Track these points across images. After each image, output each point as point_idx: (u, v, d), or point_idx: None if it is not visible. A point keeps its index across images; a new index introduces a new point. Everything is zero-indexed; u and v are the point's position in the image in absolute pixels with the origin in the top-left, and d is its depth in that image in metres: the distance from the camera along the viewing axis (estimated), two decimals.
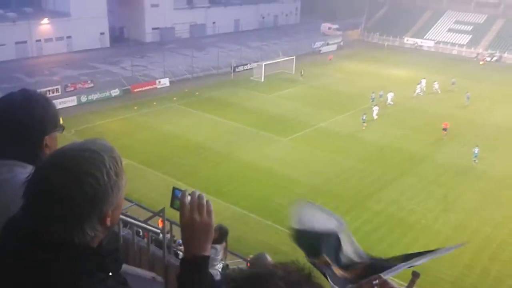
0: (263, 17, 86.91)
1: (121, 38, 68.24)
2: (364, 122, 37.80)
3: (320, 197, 26.72)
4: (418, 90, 46.46)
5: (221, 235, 8.14)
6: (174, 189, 2.03)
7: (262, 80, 50.45)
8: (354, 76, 50.40)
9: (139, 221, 7.97)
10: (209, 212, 1.85)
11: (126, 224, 7.88)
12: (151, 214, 8.28)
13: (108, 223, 1.66)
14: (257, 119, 39.07)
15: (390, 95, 43.66)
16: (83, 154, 1.62)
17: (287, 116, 40.22)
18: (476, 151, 32.09)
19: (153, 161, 30.27)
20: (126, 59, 54.70)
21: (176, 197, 1.98)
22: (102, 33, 64.12)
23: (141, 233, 9.30)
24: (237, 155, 32.00)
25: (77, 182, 1.56)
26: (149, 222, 7.92)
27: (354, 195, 27.10)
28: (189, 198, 1.87)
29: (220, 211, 24.67)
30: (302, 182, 28.41)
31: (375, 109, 40.11)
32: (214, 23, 77.99)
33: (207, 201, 1.87)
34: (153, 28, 69.46)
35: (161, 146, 33.05)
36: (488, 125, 39.50)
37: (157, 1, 69.16)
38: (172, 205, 2.01)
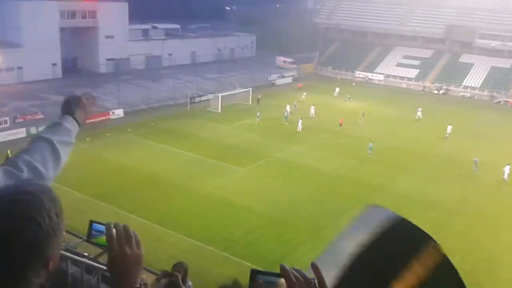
0: (220, 50, 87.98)
1: (74, 69, 67.11)
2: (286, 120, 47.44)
3: (276, 227, 26.71)
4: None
5: (185, 273, 7.85)
6: (91, 222, 1.94)
7: (219, 111, 50.64)
8: (309, 108, 51.46)
9: (89, 258, 7.62)
10: (138, 243, 1.79)
11: (75, 261, 7.51)
12: (101, 250, 7.96)
13: (51, 267, 1.58)
14: (214, 149, 38.96)
15: (312, 108, 50.26)
16: (21, 197, 1.53)
17: (244, 146, 40.35)
18: (370, 145, 39.61)
19: (106, 195, 29.39)
20: (78, 90, 53.47)
21: (97, 231, 1.90)
22: (54, 64, 62.87)
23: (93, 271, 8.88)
24: (194, 187, 31.63)
25: (18, 228, 1.47)
26: (99, 259, 7.60)
27: (310, 225, 27.22)
28: (114, 230, 1.79)
29: (177, 244, 24.16)
30: (259, 212, 28.33)
31: (300, 121, 45.68)
32: (170, 54, 78.16)
33: (133, 232, 1.80)
34: (107, 59, 68.76)
35: (115, 178, 32.22)
36: (438, 156, 41.04)
37: (112, 32, 68.78)
38: (89, 240, 1.92)
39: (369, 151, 39.83)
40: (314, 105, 51.00)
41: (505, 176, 36.05)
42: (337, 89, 63.25)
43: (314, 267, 1.58)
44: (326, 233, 26.50)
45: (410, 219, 1.90)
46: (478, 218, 29.87)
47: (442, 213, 30.04)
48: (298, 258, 23.68)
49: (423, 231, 1.89)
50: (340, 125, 46.58)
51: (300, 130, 45.16)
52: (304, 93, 59.54)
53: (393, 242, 1.90)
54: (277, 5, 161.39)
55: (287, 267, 1.59)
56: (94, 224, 1.93)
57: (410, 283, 1.72)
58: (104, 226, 1.86)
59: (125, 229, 1.78)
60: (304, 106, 52.77)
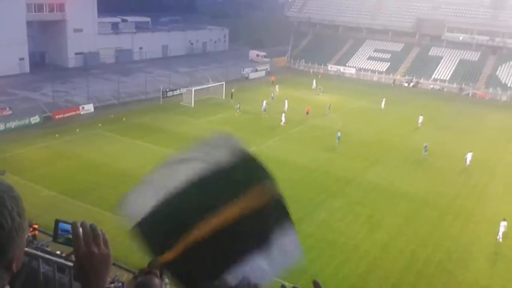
0: (192, 43, 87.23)
1: (42, 63, 65.56)
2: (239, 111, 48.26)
3: None
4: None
5: (162, 270, 7.68)
6: (57, 221, 1.85)
7: (192, 105, 50.20)
8: (282, 101, 51.55)
9: (61, 256, 7.39)
10: (105, 242, 1.74)
11: (46, 260, 7.27)
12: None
13: (14, 268, 1.51)
14: (188, 144, 38.45)
15: (286, 102, 49.88)
16: None
17: None
18: (338, 135, 40.76)
19: (76, 191, 28.76)
20: (47, 84, 52.30)
21: (64, 231, 1.81)
22: (21, 59, 61.19)
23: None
24: None
25: None
26: (72, 257, 7.37)
27: None
28: (81, 229, 1.73)
29: None
30: None
31: (283, 115, 45.90)
32: (141, 48, 77.07)
33: (101, 230, 1.75)
34: (76, 53, 67.37)
35: (85, 175, 31.55)
36: (409, 148, 41.68)
37: (81, 25, 67.32)
38: (55, 240, 1.84)
39: (337, 141, 40.93)
40: (287, 99, 51.07)
41: (467, 162, 37.34)
42: (314, 81, 63.65)
43: (316, 285, 1.61)
44: (303, 226, 26.61)
45: (257, 157, 2.06)
46: (448, 208, 30.52)
47: (414, 203, 30.60)
48: None
49: (263, 169, 2.03)
50: (307, 113, 47.91)
51: (283, 124, 45.39)
52: (277, 86, 59.52)
53: (227, 176, 1.96)
54: None
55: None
56: (61, 224, 1.84)
57: (230, 216, 1.84)
58: (70, 225, 1.79)
59: (92, 228, 1.73)
60: (277, 100, 52.85)
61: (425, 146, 39.29)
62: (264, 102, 49.83)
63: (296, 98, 54.46)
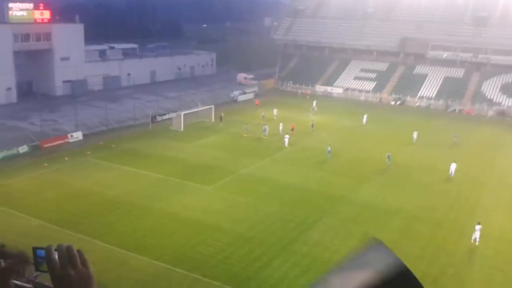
0: (180, 68, 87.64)
1: (29, 92, 65.26)
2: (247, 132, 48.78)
3: (246, 244, 26.36)
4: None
5: None
6: (34, 249, 1.75)
7: (182, 129, 50.09)
8: (272, 122, 51.67)
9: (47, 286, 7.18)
10: (84, 261, 1.66)
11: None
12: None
13: None
14: (179, 168, 38.35)
15: (281, 125, 50.14)
16: None
17: (209, 164, 39.92)
18: (329, 149, 41.91)
19: (66, 220, 28.28)
20: (34, 114, 52.00)
21: (41, 257, 1.71)
22: (8, 88, 60.95)
23: None
24: (159, 207, 30.92)
25: None
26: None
27: (279, 239, 27.02)
28: (56, 253, 1.66)
29: (143, 268, 23.43)
30: (226, 230, 27.92)
31: (286, 137, 45.90)
32: (129, 74, 77.18)
33: (78, 251, 1.68)
34: (63, 81, 67.25)
35: (75, 203, 31.09)
36: (399, 165, 41.78)
37: (68, 54, 67.42)
38: (37, 269, 1.73)
39: (328, 155, 41.92)
40: (282, 122, 50.86)
41: (452, 172, 38.15)
42: (314, 103, 63.54)
43: None
44: (296, 247, 26.39)
45: (410, 270, 1.78)
46: (441, 222, 30.46)
47: (406, 219, 30.51)
48: (270, 273, 23.44)
49: (421, 285, 1.84)
50: (292, 129, 48.82)
51: (287, 145, 45.23)
52: (275, 110, 58.37)
53: None
54: (227, 24, 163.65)
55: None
56: (38, 251, 1.73)
57: None
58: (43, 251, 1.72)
59: (68, 249, 1.66)
60: (274, 123, 52.56)
61: (388, 156, 40.50)
62: (266, 126, 49.59)
63: (286, 119, 54.66)
